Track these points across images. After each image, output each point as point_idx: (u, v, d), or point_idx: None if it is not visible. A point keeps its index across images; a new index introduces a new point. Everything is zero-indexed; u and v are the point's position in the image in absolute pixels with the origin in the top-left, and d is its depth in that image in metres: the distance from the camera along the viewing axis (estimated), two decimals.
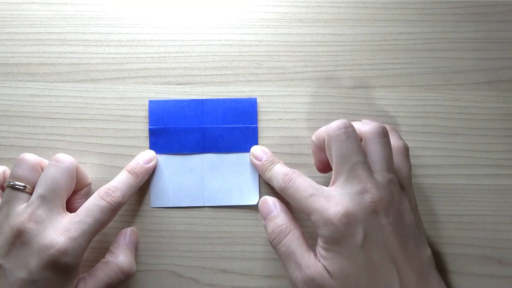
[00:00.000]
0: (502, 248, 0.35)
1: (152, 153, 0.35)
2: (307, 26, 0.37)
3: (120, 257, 0.32)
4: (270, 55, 0.37)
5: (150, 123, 0.35)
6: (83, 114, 0.36)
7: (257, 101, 0.36)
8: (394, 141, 0.32)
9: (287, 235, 0.29)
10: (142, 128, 0.35)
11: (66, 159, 0.31)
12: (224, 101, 0.36)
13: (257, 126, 0.35)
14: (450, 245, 0.35)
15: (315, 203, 0.28)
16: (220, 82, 0.36)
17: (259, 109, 0.36)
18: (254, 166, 0.34)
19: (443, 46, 0.37)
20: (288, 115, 0.36)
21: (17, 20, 0.37)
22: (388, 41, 0.37)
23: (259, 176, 0.35)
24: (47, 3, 0.37)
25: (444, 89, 0.37)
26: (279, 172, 0.31)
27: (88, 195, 0.34)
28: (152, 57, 0.36)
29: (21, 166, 0.31)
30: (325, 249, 0.28)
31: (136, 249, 0.34)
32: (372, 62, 0.37)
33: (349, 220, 0.27)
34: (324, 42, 0.37)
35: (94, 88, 0.36)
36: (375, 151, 0.30)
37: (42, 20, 0.37)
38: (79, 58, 0.36)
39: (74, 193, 0.33)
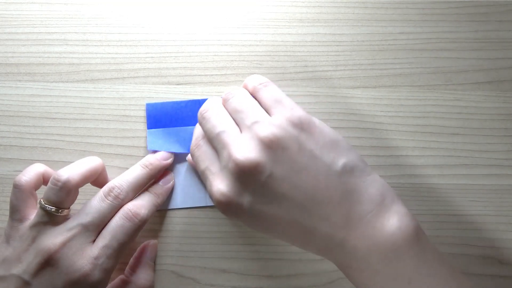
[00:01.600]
0: (502, 248, 0.35)
1: (171, 174, 0.35)
2: (307, 26, 0.37)
3: (141, 276, 0.32)
4: (270, 55, 0.37)
5: (148, 125, 0.35)
6: (83, 114, 0.36)
7: None
8: (244, 92, 0.31)
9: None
10: (142, 128, 0.35)
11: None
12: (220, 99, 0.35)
13: None
14: (450, 245, 0.35)
15: (207, 179, 0.29)
16: (220, 82, 0.36)
17: None
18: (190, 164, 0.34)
19: (443, 46, 0.37)
20: None
21: (17, 20, 0.37)
22: (388, 41, 0.37)
23: None
24: (47, 3, 0.37)
25: (444, 89, 0.37)
26: (195, 133, 0.31)
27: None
28: (152, 57, 0.36)
29: (60, 192, 0.29)
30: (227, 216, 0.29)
31: (134, 249, 0.34)
32: (372, 62, 0.37)
33: (228, 197, 0.27)
34: (324, 42, 0.37)
35: (94, 88, 0.36)
36: (233, 111, 0.30)
37: (42, 20, 0.37)
38: (79, 58, 0.36)
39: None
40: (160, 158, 0.34)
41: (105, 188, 0.31)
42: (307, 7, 0.38)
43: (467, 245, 0.35)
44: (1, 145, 0.35)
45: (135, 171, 0.32)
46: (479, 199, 0.35)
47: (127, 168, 0.33)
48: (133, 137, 0.35)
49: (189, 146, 0.35)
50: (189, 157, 0.34)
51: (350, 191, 0.27)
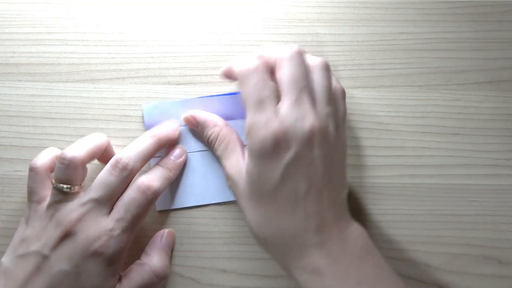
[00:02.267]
0: (502, 248, 0.35)
1: (182, 148, 0.35)
2: (307, 26, 0.37)
3: (155, 260, 0.32)
4: None
5: (147, 127, 0.35)
6: (83, 114, 0.36)
7: None
8: (333, 82, 0.32)
9: (216, 141, 0.33)
10: (142, 128, 0.35)
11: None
12: (219, 97, 0.35)
13: None
14: (450, 245, 0.35)
15: (271, 103, 0.29)
16: (220, 82, 0.36)
17: None
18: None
19: (443, 46, 0.37)
20: None
21: (17, 20, 0.37)
22: (388, 41, 0.37)
23: None
24: (47, 3, 0.37)
25: (444, 89, 0.37)
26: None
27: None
28: (152, 57, 0.37)
29: (67, 170, 0.30)
30: (251, 156, 0.29)
31: (134, 249, 0.34)
32: (372, 62, 0.37)
33: (285, 138, 0.28)
34: (324, 42, 0.37)
35: (94, 88, 0.36)
36: (318, 82, 0.30)
37: (42, 20, 0.37)
38: (79, 58, 0.36)
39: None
40: (167, 127, 0.34)
41: (112, 160, 0.31)
42: (307, 7, 0.38)
43: (467, 245, 0.35)
44: (1, 145, 0.35)
45: (142, 141, 0.32)
46: (479, 199, 0.35)
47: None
48: (133, 137, 0.35)
49: (189, 145, 0.35)
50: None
51: (343, 212, 0.30)
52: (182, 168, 0.35)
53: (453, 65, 0.37)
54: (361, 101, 0.36)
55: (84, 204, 0.30)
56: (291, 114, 0.28)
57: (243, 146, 0.33)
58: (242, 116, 0.35)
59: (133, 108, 0.36)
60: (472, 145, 0.36)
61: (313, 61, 0.31)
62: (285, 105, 0.28)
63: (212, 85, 0.36)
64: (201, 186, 0.35)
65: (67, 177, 0.30)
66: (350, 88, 0.37)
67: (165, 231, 0.34)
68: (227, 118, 0.35)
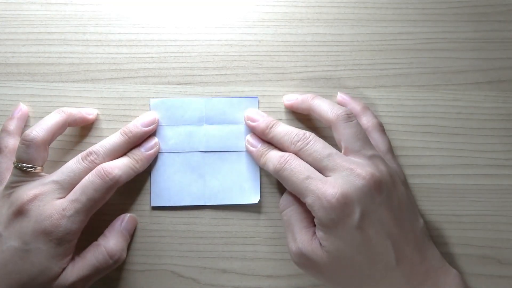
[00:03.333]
0: (502, 248, 0.35)
1: (155, 141, 0.35)
2: (307, 26, 0.37)
3: (111, 242, 0.32)
4: (270, 55, 0.37)
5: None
6: None
7: (257, 100, 0.36)
8: (368, 119, 0.34)
9: (291, 206, 0.31)
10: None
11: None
12: (225, 99, 0.36)
13: None
14: (450, 245, 0.35)
15: (312, 185, 0.29)
16: (220, 82, 0.36)
17: (259, 109, 0.36)
18: (249, 152, 0.34)
19: (443, 46, 0.37)
20: (288, 115, 0.36)
21: (17, 20, 0.37)
22: (388, 41, 0.37)
23: (260, 174, 0.35)
24: (47, 3, 0.37)
25: (444, 89, 0.37)
26: (275, 155, 0.32)
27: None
28: (152, 57, 0.37)
29: (28, 149, 0.31)
30: (322, 231, 0.29)
31: (133, 248, 0.34)
32: (372, 62, 0.37)
33: (345, 201, 0.28)
34: (324, 42, 0.37)
35: (94, 88, 0.36)
36: (346, 134, 0.31)
37: (42, 20, 0.37)
38: (79, 58, 0.36)
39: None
40: (141, 124, 0.34)
41: (84, 152, 0.32)
42: (307, 7, 0.38)
43: (467, 245, 0.35)
44: None
45: (114, 138, 0.33)
46: (479, 199, 0.35)
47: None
48: None
49: (190, 144, 0.35)
50: (248, 147, 0.34)
51: (425, 244, 0.30)
52: (181, 167, 0.35)
53: (453, 65, 0.37)
54: (361, 101, 0.36)
55: (45, 184, 0.30)
56: (349, 174, 0.29)
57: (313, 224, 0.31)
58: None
59: (133, 108, 0.36)
60: (472, 145, 0.36)
61: (333, 117, 0.32)
62: (343, 166, 0.29)
63: (212, 85, 0.36)
64: (197, 187, 0.35)
65: (28, 157, 0.31)
66: (350, 88, 0.37)
67: (127, 215, 0.34)
68: (232, 121, 0.35)
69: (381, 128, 0.34)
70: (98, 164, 0.31)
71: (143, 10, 0.37)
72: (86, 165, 0.31)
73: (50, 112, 0.35)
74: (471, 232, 0.35)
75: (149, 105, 0.35)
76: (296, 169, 0.30)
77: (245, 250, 0.34)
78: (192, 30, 0.37)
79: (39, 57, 0.36)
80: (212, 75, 0.36)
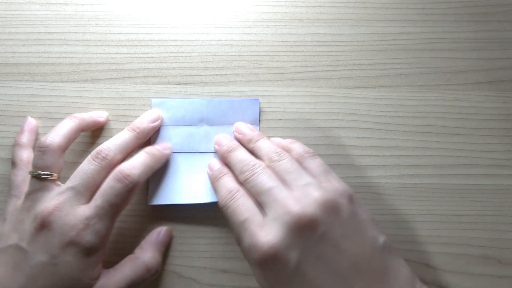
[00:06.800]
0: (502, 248, 0.35)
1: (168, 144, 0.35)
2: (307, 26, 0.37)
3: (148, 255, 0.32)
4: (270, 55, 0.37)
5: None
6: None
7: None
8: (295, 152, 0.32)
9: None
10: None
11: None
12: (226, 101, 0.36)
13: (259, 127, 0.35)
14: (450, 245, 0.35)
15: (247, 230, 0.28)
16: (220, 82, 0.36)
17: (260, 110, 0.36)
18: (208, 168, 0.34)
19: (443, 46, 0.37)
20: (288, 115, 0.36)
21: (17, 20, 0.37)
22: (388, 41, 0.37)
23: None
24: (47, 3, 0.37)
25: (444, 89, 0.37)
26: (225, 186, 0.31)
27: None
28: (152, 57, 0.37)
29: (44, 156, 0.30)
30: (261, 275, 0.27)
31: (134, 249, 0.34)
32: (372, 62, 0.37)
33: (277, 252, 0.26)
34: (324, 42, 0.37)
35: (94, 88, 0.36)
36: (280, 172, 0.30)
37: (42, 20, 0.37)
38: (79, 58, 0.36)
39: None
40: (147, 120, 0.34)
41: (93, 152, 0.31)
42: (307, 7, 0.38)
43: (467, 245, 0.35)
44: (1, 145, 0.35)
45: (122, 135, 0.32)
46: (479, 199, 0.35)
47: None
48: None
49: (191, 145, 0.35)
50: (210, 172, 0.34)
51: (388, 267, 0.27)
52: (180, 166, 0.35)
53: (453, 65, 0.37)
54: (361, 101, 0.36)
55: (62, 193, 0.29)
56: (274, 216, 0.28)
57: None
58: (246, 122, 0.35)
59: (133, 108, 0.36)
60: (472, 145, 0.36)
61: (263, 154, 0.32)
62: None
63: (212, 85, 0.36)
64: (197, 185, 0.34)
65: (44, 163, 0.30)
66: (350, 88, 0.37)
67: (163, 229, 0.34)
68: (232, 123, 0.35)
69: (310, 153, 0.32)
70: (110, 160, 0.31)
71: (143, 10, 0.37)
72: (98, 163, 0.30)
73: (50, 112, 0.36)
74: (471, 232, 0.35)
75: (150, 105, 0.36)
76: (238, 209, 0.29)
77: None
78: (192, 30, 0.37)
79: (39, 57, 0.36)
80: (212, 75, 0.36)
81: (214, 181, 0.32)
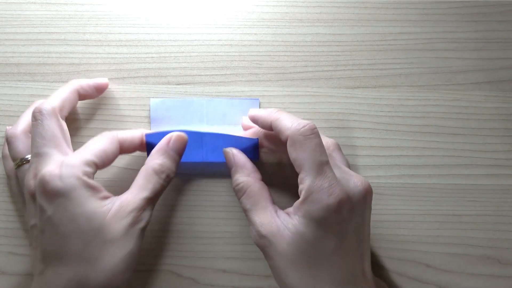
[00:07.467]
0: (502, 248, 0.35)
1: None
2: (307, 26, 0.37)
3: (156, 162, 0.31)
4: (270, 55, 0.37)
5: (152, 121, 0.35)
6: (83, 114, 0.36)
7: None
8: (326, 140, 0.33)
9: (244, 193, 0.31)
10: (142, 128, 0.35)
11: (44, 111, 0.30)
12: (226, 101, 0.36)
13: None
14: (450, 245, 0.35)
15: (330, 168, 0.28)
16: (220, 82, 0.36)
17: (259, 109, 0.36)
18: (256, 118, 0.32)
19: (443, 46, 0.37)
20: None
21: (17, 20, 0.37)
22: (388, 41, 0.37)
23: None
24: (47, 3, 0.37)
25: (444, 89, 0.37)
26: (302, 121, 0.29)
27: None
28: (152, 57, 0.37)
29: (13, 145, 0.32)
30: (310, 220, 0.28)
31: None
32: (372, 62, 0.37)
33: (349, 203, 0.28)
34: (324, 42, 0.37)
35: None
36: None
37: (42, 20, 0.37)
38: (79, 58, 0.36)
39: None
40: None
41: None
42: (307, 7, 0.38)
43: (467, 245, 0.35)
44: (1, 144, 0.35)
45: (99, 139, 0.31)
46: (479, 199, 0.35)
47: (127, 168, 0.33)
48: None
49: (191, 119, 0.35)
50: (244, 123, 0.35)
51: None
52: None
53: (453, 65, 0.37)
54: (361, 101, 0.36)
55: (32, 162, 0.29)
56: (349, 178, 0.29)
57: (273, 203, 0.31)
58: None
59: (133, 108, 0.36)
60: (472, 145, 0.36)
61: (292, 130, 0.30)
62: (338, 171, 0.29)
63: (212, 85, 0.36)
64: (196, 146, 0.34)
65: (18, 151, 0.32)
66: (350, 88, 0.37)
67: (174, 134, 0.32)
68: (232, 122, 0.35)
69: (339, 146, 0.34)
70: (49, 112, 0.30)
71: (143, 10, 0.37)
72: (40, 120, 0.30)
73: None
74: (471, 232, 0.35)
75: (149, 104, 0.36)
76: (322, 144, 0.29)
77: (245, 250, 0.34)
78: (192, 30, 0.37)
79: (39, 57, 0.36)
80: (212, 75, 0.36)
81: (274, 114, 0.31)
